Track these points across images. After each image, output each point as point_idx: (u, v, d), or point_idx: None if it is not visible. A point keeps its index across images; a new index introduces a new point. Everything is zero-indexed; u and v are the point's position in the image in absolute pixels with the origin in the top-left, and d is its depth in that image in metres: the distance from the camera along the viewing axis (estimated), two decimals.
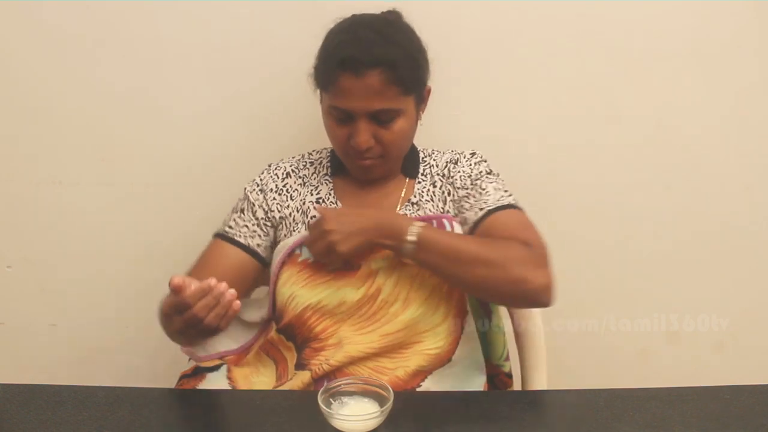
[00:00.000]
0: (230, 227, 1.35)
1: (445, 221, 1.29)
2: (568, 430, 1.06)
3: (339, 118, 1.26)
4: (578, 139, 1.68)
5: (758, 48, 1.64)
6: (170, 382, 1.36)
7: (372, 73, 1.20)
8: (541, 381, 1.36)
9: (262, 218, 1.35)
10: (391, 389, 1.04)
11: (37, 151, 1.65)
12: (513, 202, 1.31)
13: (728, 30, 1.62)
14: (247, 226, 1.35)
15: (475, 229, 1.28)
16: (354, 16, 1.28)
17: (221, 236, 1.35)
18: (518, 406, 1.13)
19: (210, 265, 1.31)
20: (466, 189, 1.33)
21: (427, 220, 1.29)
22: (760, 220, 1.76)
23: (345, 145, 1.28)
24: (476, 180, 1.34)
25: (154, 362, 1.77)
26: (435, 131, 1.44)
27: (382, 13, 1.31)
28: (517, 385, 1.43)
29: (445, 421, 1.07)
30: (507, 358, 1.41)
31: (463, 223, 1.31)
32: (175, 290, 1.01)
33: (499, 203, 1.29)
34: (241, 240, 1.33)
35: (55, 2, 1.55)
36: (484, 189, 1.32)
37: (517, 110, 1.66)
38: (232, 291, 1.02)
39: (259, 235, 1.35)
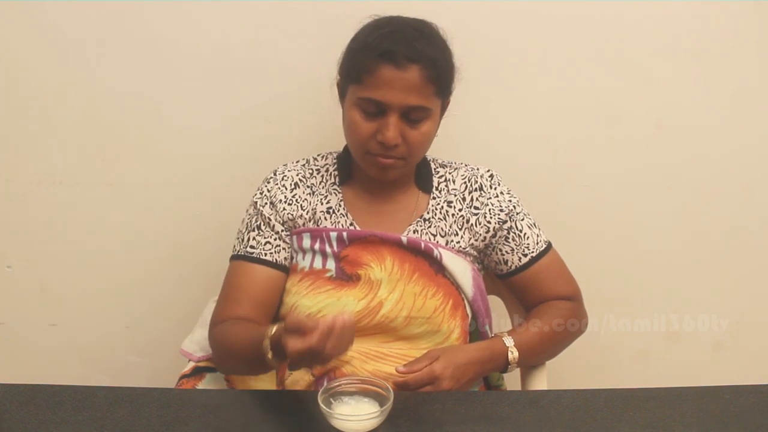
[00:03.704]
0: (252, 247, 1.30)
1: (432, 247, 1.29)
2: (568, 430, 1.06)
3: (369, 111, 1.23)
4: (578, 138, 1.68)
5: (758, 48, 1.64)
6: (170, 382, 1.36)
7: (413, 68, 1.20)
8: (541, 381, 1.36)
9: (281, 231, 1.32)
10: (391, 389, 1.04)
11: (37, 151, 1.65)
12: (546, 240, 1.39)
13: (728, 30, 1.62)
14: (269, 243, 1.31)
15: (517, 273, 1.37)
16: (391, 15, 1.27)
17: (246, 258, 1.30)
18: (518, 406, 1.13)
19: (246, 292, 1.28)
20: (503, 230, 1.35)
21: (416, 243, 1.29)
22: (760, 220, 1.76)
23: (368, 142, 1.24)
24: (510, 218, 1.35)
25: (154, 362, 1.77)
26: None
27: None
28: (517, 385, 1.44)
29: (445, 421, 1.07)
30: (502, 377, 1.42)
31: (500, 263, 1.37)
32: (303, 331, 0.97)
33: (539, 248, 1.37)
34: (268, 258, 1.30)
35: (56, 3, 1.55)
36: (521, 230, 1.35)
37: (517, 110, 1.66)
38: (346, 318, 0.99)
39: (284, 249, 1.32)
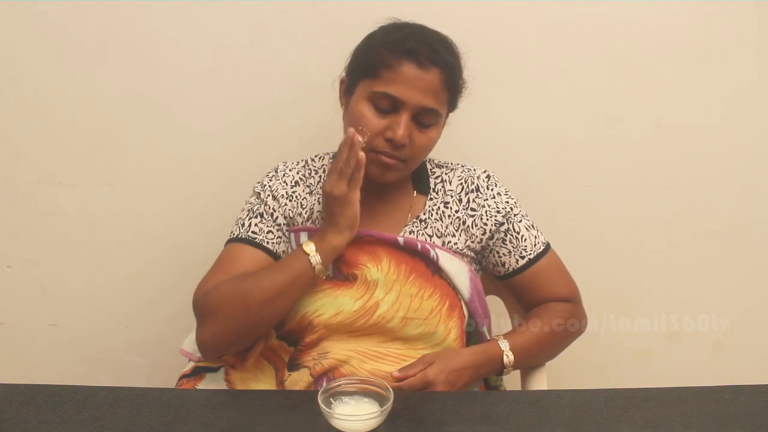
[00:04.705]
0: (254, 233, 1.29)
1: (429, 248, 1.29)
2: (568, 430, 1.06)
3: (381, 107, 1.22)
4: (578, 138, 1.68)
5: (758, 48, 1.64)
6: (170, 382, 1.36)
7: (434, 70, 1.21)
8: (541, 381, 1.36)
9: (283, 224, 1.32)
10: (391, 389, 1.04)
11: (37, 151, 1.65)
12: (544, 241, 1.37)
13: (728, 30, 1.62)
14: (272, 232, 1.30)
15: (515, 274, 1.36)
16: (408, 21, 1.28)
17: (247, 242, 1.29)
18: (518, 406, 1.13)
19: (245, 269, 1.25)
20: (500, 233, 1.34)
21: (412, 244, 1.29)
22: (760, 220, 1.76)
23: (374, 138, 1.22)
24: (507, 220, 1.34)
25: (154, 362, 1.77)
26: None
27: None
28: (517, 385, 1.43)
29: (445, 421, 1.07)
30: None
31: (498, 264, 1.36)
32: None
33: (536, 250, 1.35)
34: (270, 247, 1.29)
35: (56, 2, 1.55)
36: (518, 232, 1.34)
37: (517, 110, 1.66)
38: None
39: (284, 242, 1.31)
